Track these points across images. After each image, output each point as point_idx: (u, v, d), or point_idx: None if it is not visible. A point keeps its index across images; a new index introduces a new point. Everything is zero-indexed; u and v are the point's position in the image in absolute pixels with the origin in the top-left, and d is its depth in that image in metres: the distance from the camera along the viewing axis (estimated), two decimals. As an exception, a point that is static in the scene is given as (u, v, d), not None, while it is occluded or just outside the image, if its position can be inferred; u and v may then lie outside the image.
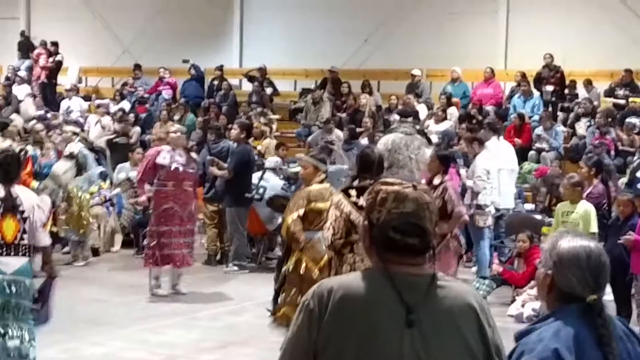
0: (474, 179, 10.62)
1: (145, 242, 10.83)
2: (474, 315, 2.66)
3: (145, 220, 12.72)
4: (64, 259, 11.85)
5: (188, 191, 10.27)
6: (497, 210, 11.35)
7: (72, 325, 8.65)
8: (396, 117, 10.60)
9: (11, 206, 6.12)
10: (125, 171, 13.65)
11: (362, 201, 5.88)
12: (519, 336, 2.87)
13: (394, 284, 2.61)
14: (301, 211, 7.05)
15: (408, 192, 2.68)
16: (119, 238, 13.25)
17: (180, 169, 10.17)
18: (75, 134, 12.35)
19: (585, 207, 8.89)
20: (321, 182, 7.29)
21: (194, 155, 10.81)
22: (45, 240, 6.31)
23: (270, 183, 12.26)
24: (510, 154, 12.28)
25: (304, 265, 7.05)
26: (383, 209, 2.67)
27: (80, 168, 11.89)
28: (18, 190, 6.29)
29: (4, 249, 6.09)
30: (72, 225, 11.76)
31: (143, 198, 10.55)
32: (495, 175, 11.09)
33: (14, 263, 6.11)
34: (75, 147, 12.02)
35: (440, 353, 2.59)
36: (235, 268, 11.86)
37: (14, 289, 6.05)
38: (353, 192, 6.09)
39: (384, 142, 10.47)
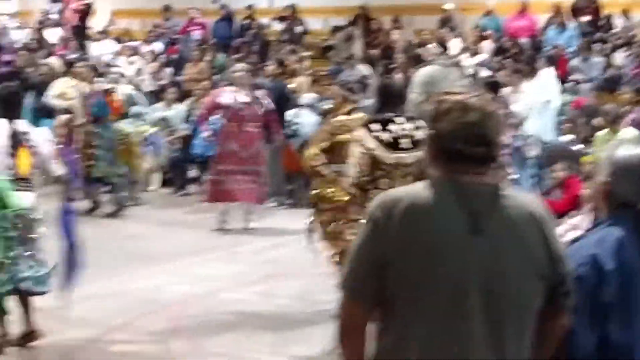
0: (519, 108, 10.55)
1: (206, 178, 11.07)
2: (538, 225, 2.66)
3: (184, 157, 12.89)
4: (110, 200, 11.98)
5: (251, 132, 10.24)
6: (542, 141, 11.30)
7: (116, 260, 8.87)
8: (432, 50, 10.53)
9: (21, 140, 6.24)
10: (160, 111, 13.69)
11: (385, 135, 5.76)
12: (569, 244, 2.92)
13: (459, 193, 2.61)
14: (324, 144, 6.87)
15: (472, 102, 2.66)
16: (156, 177, 13.37)
17: (242, 109, 10.16)
18: (122, 75, 12.38)
19: (628, 135, 8.82)
20: (349, 112, 7.03)
21: (260, 93, 10.60)
22: (60, 169, 6.45)
23: (305, 119, 12.28)
24: (555, 87, 12.22)
25: (333, 195, 6.78)
26: (448, 118, 2.64)
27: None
28: (24, 125, 6.41)
29: (21, 184, 6.22)
30: (124, 162, 11.73)
31: (206, 133, 10.47)
32: (544, 106, 11.03)
33: (29, 197, 6.24)
34: (125, 88, 12.02)
35: (505, 260, 2.59)
36: (274, 204, 11.94)
37: (23, 222, 6.16)
38: (375, 126, 5.79)
39: (422, 74, 10.47)
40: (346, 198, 6.38)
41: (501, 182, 2.69)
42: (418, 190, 2.67)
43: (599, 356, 2.84)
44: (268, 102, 10.50)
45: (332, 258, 6.83)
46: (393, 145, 5.76)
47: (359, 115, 6.93)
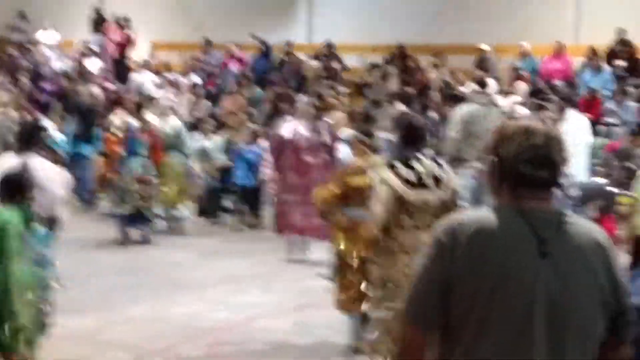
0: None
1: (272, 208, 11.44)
2: (603, 253, 2.69)
3: (220, 187, 13.05)
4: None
5: (309, 162, 10.39)
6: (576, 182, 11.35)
7: (156, 286, 9.06)
8: (473, 87, 10.59)
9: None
10: (198, 142, 13.88)
11: (409, 174, 5.71)
12: None
13: (526, 218, 2.64)
14: (337, 189, 6.88)
15: (537, 126, 2.72)
16: (192, 206, 13.48)
17: (300, 140, 10.34)
18: (171, 108, 12.63)
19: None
20: (364, 154, 7.02)
21: (324, 123, 10.72)
22: (62, 215, 6.47)
23: (344, 154, 12.39)
24: (586, 127, 12.27)
25: (345, 250, 6.92)
26: (513, 142, 2.68)
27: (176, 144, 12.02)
28: (35, 161, 6.38)
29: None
30: (166, 201, 11.87)
31: (267, 171, 10.66)
32: (576, 147, 11.05)
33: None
34: (174, 121, 12.23)
35: (572, 286, 2.62)
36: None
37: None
38: (400, 165, 5.73)
39: (461, 113, 10.53)
40: (356, 261, 6.70)
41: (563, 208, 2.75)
42: (483, 216, 2.71)
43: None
44: (327, 134, 10.68)
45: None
46: (417, 184, 5.74)
47: (376, 159, 6.77)
